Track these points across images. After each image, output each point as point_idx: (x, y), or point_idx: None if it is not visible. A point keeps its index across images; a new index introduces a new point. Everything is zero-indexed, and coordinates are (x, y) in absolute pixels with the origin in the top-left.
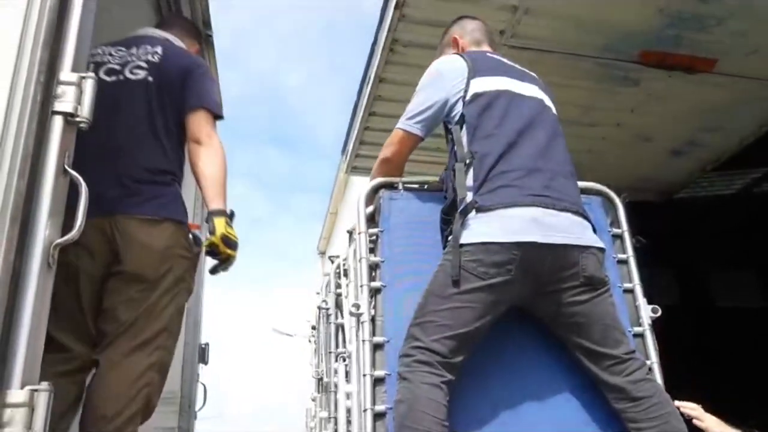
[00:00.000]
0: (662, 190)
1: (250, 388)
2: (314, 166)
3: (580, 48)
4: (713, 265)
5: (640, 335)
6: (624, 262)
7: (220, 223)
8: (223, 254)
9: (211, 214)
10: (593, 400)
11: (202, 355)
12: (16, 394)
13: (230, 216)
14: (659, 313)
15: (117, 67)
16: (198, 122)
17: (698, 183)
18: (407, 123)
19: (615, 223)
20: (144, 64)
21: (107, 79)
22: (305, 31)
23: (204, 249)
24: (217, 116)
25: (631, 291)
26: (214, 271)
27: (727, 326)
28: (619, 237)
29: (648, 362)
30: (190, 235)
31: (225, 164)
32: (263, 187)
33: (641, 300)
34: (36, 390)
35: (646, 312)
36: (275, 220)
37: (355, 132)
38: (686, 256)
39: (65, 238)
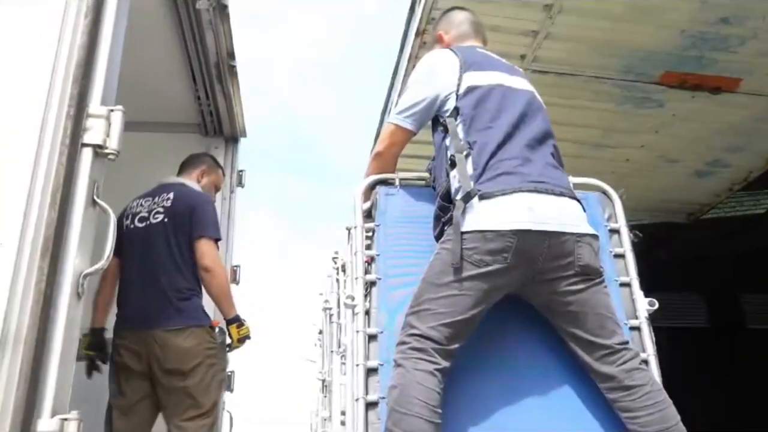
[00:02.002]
0: (688, 211)
1: (275, 416)
2: (333, 193)
3: (601, 71)
4: (743, 287)
5: (637, 328)
6: (621, 256)
7: (233, 330)
8: (240, 346)
9: (228, 323)
10: (586, 390)
11: (228, 383)
12: (47, 423)
13: (239, 319)
14: (656, 306)
15: (145, 214)
16: (201, 251)
17: (726, 203)
18: (398, 117)
19: (612, 218)
20: (161, 209)
21: (139, 225)
22: (323, 59)
23: (231, 348)
24: (216, 239)
25: (627, 285)
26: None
27: (759, 348)
28: (616, 232)
29: (644, 355)
30: (217, 329)
31: (227, 280)
32: (283, 214)
33: (638, 293)
34: (66, 419)
35: (643, 305)
36: (295, 247)
37: None
38: (715, 278)
39: (94, 267)
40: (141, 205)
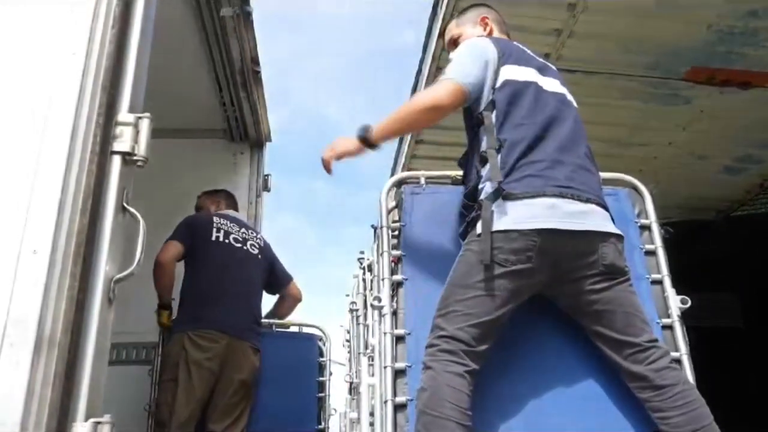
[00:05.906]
0: (719, 208)
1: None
2: (360, 198)
3: (626, 68)
4: None
5: (669, 327)
6: (652, 253)
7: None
8: None
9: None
10: (616, 391)
11: None
12: (81, 427)
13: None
14: (689, 304)
15: (239, 238)
16: (297, 288)
17: (758, 199)
18: (462, 76)
19: (643, 213)
20: (257, 246)
21: (235, 245)
22: (344, 65)
23: None
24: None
25: (659, 282)
26: None
27: None
28: (647, 228)
29: (677, 354)
30: None
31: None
32: (311, 218)
33: (670, 291)
34: (99, 422)
35: (675, 303)
36: (324, 252)
37: (402, 160)
38: (749, 276)
39: (124, 273)
40: (229, 226)
